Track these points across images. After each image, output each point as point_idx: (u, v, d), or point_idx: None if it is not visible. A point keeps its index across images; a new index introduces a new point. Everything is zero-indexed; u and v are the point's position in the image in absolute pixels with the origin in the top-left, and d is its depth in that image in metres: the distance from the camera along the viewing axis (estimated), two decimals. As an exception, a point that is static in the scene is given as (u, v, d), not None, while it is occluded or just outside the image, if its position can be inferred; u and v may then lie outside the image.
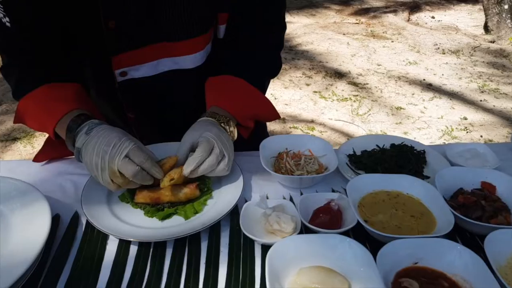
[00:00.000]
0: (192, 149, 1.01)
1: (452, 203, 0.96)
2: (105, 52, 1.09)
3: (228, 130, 1.06)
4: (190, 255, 0.89)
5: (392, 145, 1.18)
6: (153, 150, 1.05)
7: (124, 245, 0.91)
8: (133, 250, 0.91)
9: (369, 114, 3.65)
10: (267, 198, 1.00)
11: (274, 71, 1.26)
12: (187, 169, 0.96)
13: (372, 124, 3.51)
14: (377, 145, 1.19)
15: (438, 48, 4.97)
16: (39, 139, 3.28)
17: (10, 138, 3.29)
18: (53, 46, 1.09)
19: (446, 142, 3.28)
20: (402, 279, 0.82)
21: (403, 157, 1.11)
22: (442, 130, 3.46)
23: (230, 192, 1.02)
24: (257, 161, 1.15)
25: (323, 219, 0.92)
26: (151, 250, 0.91)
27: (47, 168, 1.16)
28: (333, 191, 1.07)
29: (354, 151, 1.16)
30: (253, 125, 1.15)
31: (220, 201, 1.01)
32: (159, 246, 0.91)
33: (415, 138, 3.34)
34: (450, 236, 0.89)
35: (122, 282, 0.83)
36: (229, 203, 0.98)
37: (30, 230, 0.86)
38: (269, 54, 1.23)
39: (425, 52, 4.86)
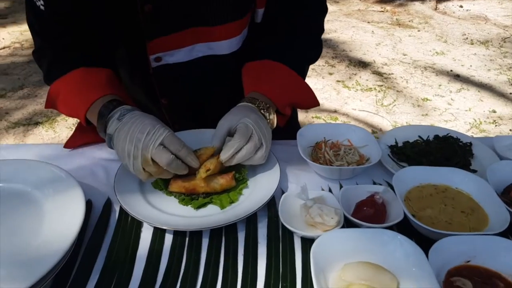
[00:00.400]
0: (229, 134, 0.97)
1: (504, 199, 0.90)
2: (140, 36, 1.05)
3: (268, 118, 1.02)
4: (227, 245, 0.86)
5: (436, 137, 1.12)
6: (185, 136, 1.01)
7: (159, 233, 0.88)
8: (168, 239, 0.87)
9: (394, 105, 3.56)
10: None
11: (314, 56, 1.21)
12: (224, 155, 0.93)
13: (397, 116, 3.42)
14: (419, 136, 1.13)
15: (467, 38, 4.82)
16: (61, 124, 3.28)
17: (32, 122, 3.29)
18: (87, 30, 1.05)
19: (474, 135, 3.18)
20: (454, 278, 0.77)
21: (449, 149, 1.05)
22: (469, 123, 3.36)
23: (266, 181, 0.98)
24: (292, 151, 1.11)
25: (367, 213, 0.87)
26: (187, 239, 0.87)
27: (77, 153, 1.13)
28: (374, 183, 1.02)
29: (396, 142, 1.11)
30: (290, 113, 1.10)
31: (256, 191, 0.96)
32: (195, 235, 0.88)
33: (441, 130, 3.25)
34: (501, 233, 0.84)
35: (158, 272, 0.80)
36: (265, 193, 0.94)
37: (64, 218, 0.83)
38: (309, 38, 1.17)
39: (453, 42, 4.72)
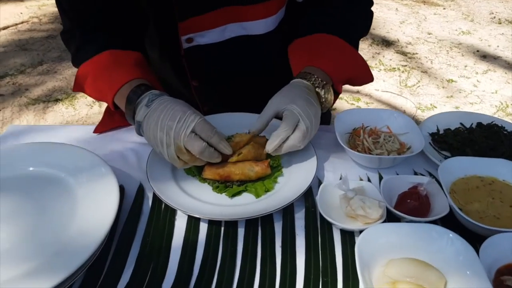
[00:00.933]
0: (277, 116, 0.92)
1: (556, 193, 0.86)
2: (172, 17, 1.01)
3: (323, 96, 0.95)
4: (264, 237, 0.83)
5: (479, 124, 1.06)
6: (216, 120, 0.98)
7: (193, 222, 0.85)
8: (203, 228, 0.85)
9: (418, 86, 3.47)
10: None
11: (366, 29, 1.13)
12: (270, 145, 0.89)
13: (422, 97, 3.34)
14: (461, 124, 1.08)
15: (494, 17, 4.65)
16: (81, 101, 3.27)
17: (52, 99, 3.28)
18: (116, 11, 1.00)
19: (501, 119, 3.09)
20: (505, 277, 0.73)
21: (494, 139, 1.00)
22: (496, 106, 3.26)
23: (302, 170, 0.94)
24: (327, 136, 1.07)
25: (411, 206, 0.83)
26: (222, 229, 0.84)
27: (107, 136, 1.10)
28: (414, 173, 0.97)
29: (438, 129, 1.06)
30: (341, 91, 1.04)
31: (292, 179, 0.93)
32: (231, 225, 0.85)
33: (467, 113, 3.16)
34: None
35: (194, 264, 0.78)
36: (302, 182, 0.90)
37: (98, 207, 0.81)
38: (360, 9, 1.10)
39: (480, 21, 4.56)
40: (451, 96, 3.36)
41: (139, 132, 0.93)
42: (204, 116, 0.98)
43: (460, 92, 3.41)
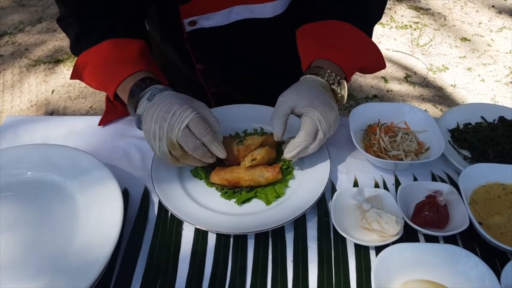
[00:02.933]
0: (292, 113, 0.86)
1: None
2: None
3: (340, 94, 0.89)
4: (275, 250, 0.80)
5: (501, 119, 1.00)
6: (223, 113, 0.94)
7: (201, 232, 0.82)
8: (212, 238, 0.82)
9: (431, 45, 3.34)
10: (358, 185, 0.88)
11: (380, 12, 1.04)
12: (288, 154, 0.85)
13: (433, 58, 3.22)
14: (482, 117, 1.02)
15: (513, -32, 4.40)
16: (82, 61, 3.17)
17: (53, 60, 3.19)
18: None
19: (514, 81, 2.99)
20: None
21: (519, 138, 0.94)
22: (509, 67, 3.15)
23: (315, 173, 0.89)
24: (340, 131, 1.00)
25: (429, 218, 0.79)
26: (231, 240, 0.81)
27: (109, 129, 1.05)
28: (433, 177, 0.92)
29: (458, 125, 1.00)
30: (350, 81, 0.98)
31: (304, 184, 0.88)
32: (240, 236, 0.82)
33: (479, 75, 3.06)
34: None
35: (203, 279, 0.75)
36: (314, 188, 0.86)
37: (102, 220, 0.77)
38: None
39: (498, -28, 4.32)
40: (464, 56, 3.24)
41: (139, 126, 0.88)
42: (213, 107, 0.94)
43: (473, 52, 3.29)
